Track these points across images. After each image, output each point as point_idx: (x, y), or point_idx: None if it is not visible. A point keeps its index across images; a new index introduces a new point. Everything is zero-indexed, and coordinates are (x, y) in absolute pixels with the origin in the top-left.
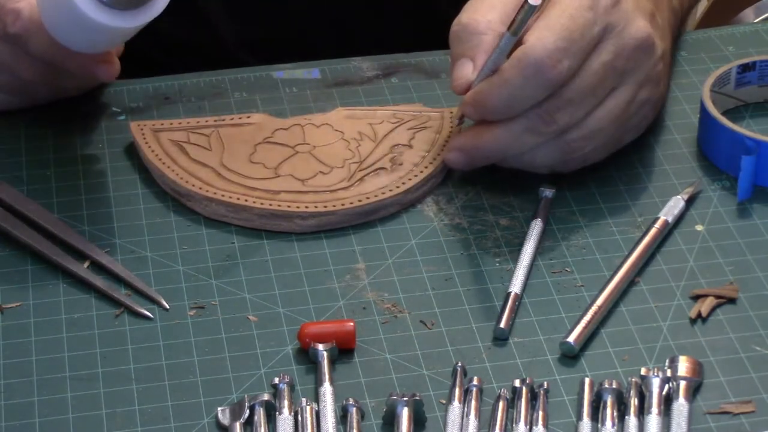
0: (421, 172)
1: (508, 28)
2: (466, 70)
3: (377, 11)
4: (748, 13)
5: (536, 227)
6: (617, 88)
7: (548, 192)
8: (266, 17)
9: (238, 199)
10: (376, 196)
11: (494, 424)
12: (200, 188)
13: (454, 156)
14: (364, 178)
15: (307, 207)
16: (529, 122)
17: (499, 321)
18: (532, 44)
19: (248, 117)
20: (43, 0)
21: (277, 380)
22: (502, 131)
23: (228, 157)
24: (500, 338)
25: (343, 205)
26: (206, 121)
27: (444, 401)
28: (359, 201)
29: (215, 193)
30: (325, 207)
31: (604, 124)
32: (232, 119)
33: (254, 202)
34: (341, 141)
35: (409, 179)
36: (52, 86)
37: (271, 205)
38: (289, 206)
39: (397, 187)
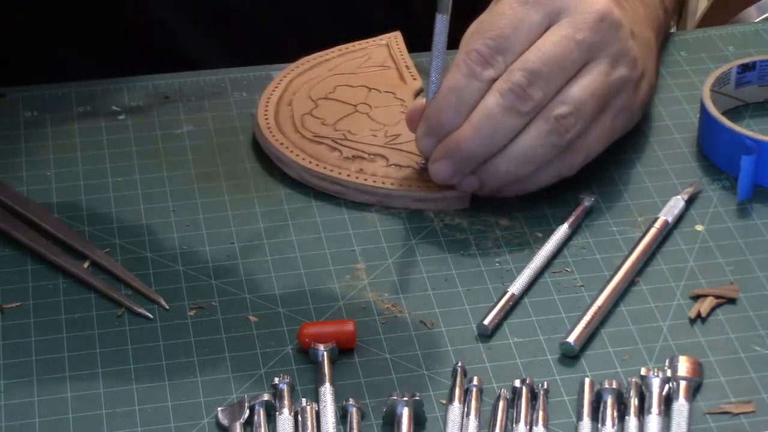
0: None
1: (436, 8)
2: (418, 101)
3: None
4: (749, 13)
5: (560, 232)
6: (590, 62)
7: (588, 201)
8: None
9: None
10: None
11: (494, 424)
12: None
13: (437, 166)
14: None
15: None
16: (505, 101)
17: (484, 317)
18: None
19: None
20: None
21: (277, 380)
22: (480, 114)
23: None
24: (483, 335)
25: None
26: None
27: (444, 401)
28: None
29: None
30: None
31: (585, 97)
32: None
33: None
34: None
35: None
36: None
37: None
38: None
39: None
